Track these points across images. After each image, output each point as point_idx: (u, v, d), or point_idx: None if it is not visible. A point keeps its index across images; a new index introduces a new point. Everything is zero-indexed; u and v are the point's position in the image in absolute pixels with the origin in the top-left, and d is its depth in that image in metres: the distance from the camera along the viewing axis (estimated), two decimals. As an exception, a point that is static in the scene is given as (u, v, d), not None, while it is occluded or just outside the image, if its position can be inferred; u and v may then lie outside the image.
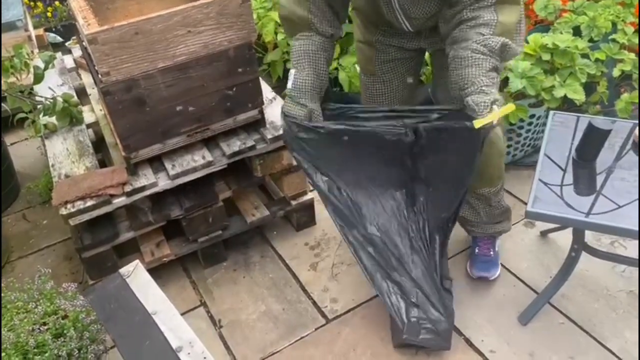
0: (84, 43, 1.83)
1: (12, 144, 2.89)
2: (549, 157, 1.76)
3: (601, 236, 2.10)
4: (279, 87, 2.80)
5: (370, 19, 1.80)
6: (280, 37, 2.62)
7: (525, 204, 1.62)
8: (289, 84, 1.68)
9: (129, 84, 1.74)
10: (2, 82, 2.15)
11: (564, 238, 2.04)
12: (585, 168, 1.72)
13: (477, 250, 2.01)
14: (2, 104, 2.36)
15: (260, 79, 2.02)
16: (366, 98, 1.98)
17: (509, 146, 2.39)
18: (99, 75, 1.70)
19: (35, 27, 3.42)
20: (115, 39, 1.65)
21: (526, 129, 2.37)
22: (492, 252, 2.00)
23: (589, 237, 1.94)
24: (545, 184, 1.68)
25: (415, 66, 1.92)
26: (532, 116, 2.34)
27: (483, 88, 1.47)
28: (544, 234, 2.16)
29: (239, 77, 1.91)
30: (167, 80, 1.79)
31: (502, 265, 2.05)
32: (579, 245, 1.78)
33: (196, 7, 1.73)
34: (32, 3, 3.74)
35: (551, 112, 1.92)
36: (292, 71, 1.69)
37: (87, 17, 1.72)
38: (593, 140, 1.69)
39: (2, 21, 2.89)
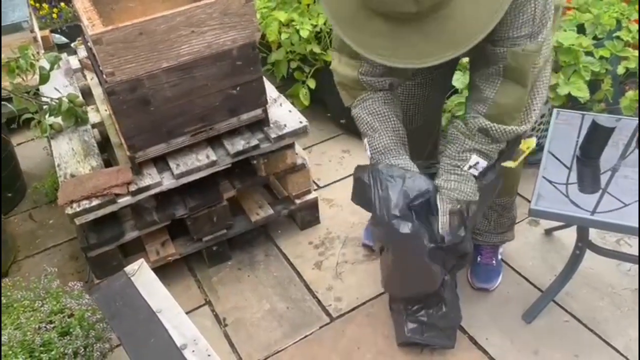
0: (88, 44, 1.84)
1: (18, 145, 2.90)
2: (553, 155, 1.75)
3: (606, 234, 2.09)
4: (283, 86, 2.81)
5: None
6: (284, 36, 2.61)
7: (529, 202, 1.61)
8: (368, 154, 1.58)
9: (134, 84, 1.75)
10: (9, 83, 2.16)
11: (568, 236, 2.03)
12: (589, 166, 1.72)
13: (479, 259, 1.99)
14: (9, 105, 2.37)
15: (264, 78, 2.02)
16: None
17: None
18: (104, 76, 1.71)
19: (40, 29, 3.43)
20: (120, 40, 1.66)
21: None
22: (494, 261, 1.99)
23: (594, 235, 1.94)
24: (550, 181, 1.67)
25: (448, 73, 1.85)
26: (536, 114, 2.33)
27: (445, 173, 1.52)
28: (548, 232, 2.16)
29: (242, 77, 1.91)
30: (171, 80, 1.80)
31: (506, 263, 2.05)
32: (584, 243, 1.77)
33: (199, 7, 1.73)
34: (37, 4, 3.76)
35: (555, 110, 1.92)
36: (365, 140, 1.59)
37: (92, 18, 1.73)
38: (597, 138, 1.69)
39: (8, 22, 2.91)
